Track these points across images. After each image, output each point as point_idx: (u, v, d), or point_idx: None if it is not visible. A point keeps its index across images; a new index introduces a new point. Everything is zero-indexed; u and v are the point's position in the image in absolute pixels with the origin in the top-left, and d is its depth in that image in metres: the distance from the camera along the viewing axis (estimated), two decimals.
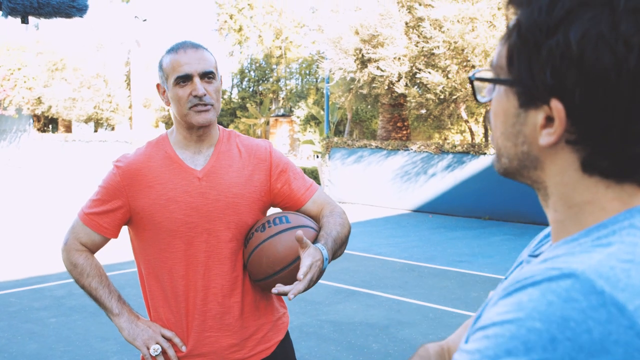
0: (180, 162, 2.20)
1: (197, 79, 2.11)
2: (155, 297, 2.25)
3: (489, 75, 0.90)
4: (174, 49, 2.18)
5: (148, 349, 2.15)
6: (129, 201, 2.18)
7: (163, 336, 2.18)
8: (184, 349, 2.16)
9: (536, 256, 0.96)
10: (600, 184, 0.81)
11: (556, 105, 0.78)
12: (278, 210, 2.34)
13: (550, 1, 0.77)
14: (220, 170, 2.21)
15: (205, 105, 2.13)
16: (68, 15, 2.19)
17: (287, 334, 2.42)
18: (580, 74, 0.75)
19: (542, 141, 0.81)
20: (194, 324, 2.20)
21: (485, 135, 17.49)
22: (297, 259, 2.05)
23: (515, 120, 0.85)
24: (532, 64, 0.79)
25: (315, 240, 2.14)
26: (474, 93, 0.94)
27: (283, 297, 2.36)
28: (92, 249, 2.28)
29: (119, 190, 2.19)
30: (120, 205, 2.19)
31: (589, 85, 0.75)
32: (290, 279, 2.04)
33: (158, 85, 2.27)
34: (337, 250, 2.18)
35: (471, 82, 0.93)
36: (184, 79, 2.12)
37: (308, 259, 1.98)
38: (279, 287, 1.97)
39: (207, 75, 2.14)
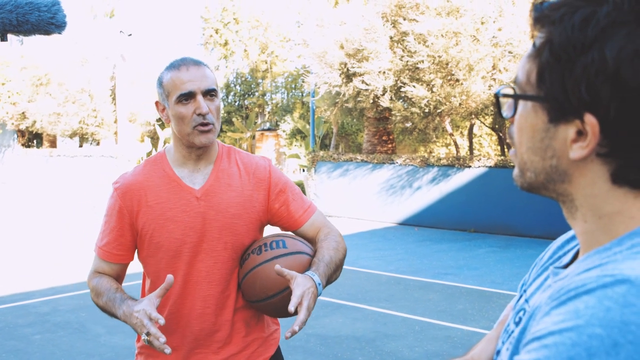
0: (178, 180, 2.18)
1: (200, 97, 2.07)
2: None
3: (512, 91, 0.92)
4: (174, 66, 2.12)
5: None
6: (132, 221, 2.17)
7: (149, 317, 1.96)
8: (161, 321, 1.92)
9: (563, 267, 0.98)
10: (629, 195, 0.83)
11: (590, 120, 0.80)
12: (276, 229, 2.32)
13: (583, 19, 0.79)
14: (218, 189, 2.18)
15: (208, 124, 2.08)
16: (47, 32, 2.19)
17: (278, 350, 2.40)
18: (615, 89, 0.77)
19: (574, 155, 0.83)
20: (186, 341, 2.20)
21: (470, 148, 17.58)
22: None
23: (544, 135, 0.86)
24: (565, 79, 0.81)
25: (308, 267, 2.11)
26: (498, 109, 0.95)
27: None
28: (115, 277, 2.27)
29: (121, 213, 2.18)
30: (127, 228, 2.18)
31: (624, 100, 0.77)
32: (283, 305, 2.01)
33: (157, 103, 2.21)
34: (332, 275, 2.14)
35: (496, 98, 0.94)
36: (187, 97, 2.07)
37: (298, 289, 1.94)
38: (288, 332, 1.90)
39: (210, 93, 2.10)
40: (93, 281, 2.22)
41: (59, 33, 2.20)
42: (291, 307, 1.91)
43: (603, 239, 0.85)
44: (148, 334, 1.90)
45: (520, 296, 1.08)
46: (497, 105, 0.95)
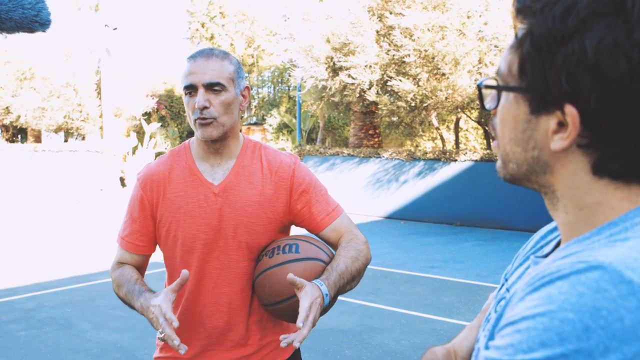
0: (198, 174, 2.14)
1: (201, 91, 2.02)
2: None
3: (494, 83, 0.92)
4: (191, 56, 2.08)
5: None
6: (153, 212, 2.15)
7: (163, 316, 1.92)
8: (175, 323, 1.89)
9: (544, 257, 0.98)
10: (609, 186, 0.84)
11: (570, 111, 0.80)
12: (302, 230, 2.25)
13: (564, 10, 0.80)
14: (237, 186, 2.13)
15: (206, 119, 2.02)
16: (31, 30, 2.15)
17: (296, 354, 2.33)
18: (595, 80, 0.77)
19: (555, 146, 0.84)
20: (198, 337, 2.18)
21: (456, 142, 17.63)
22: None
23: (526, 126, 0.87)
24: (546, 70, 0.81)
25: (320, 274, 2.02)
26: (481, 100, 0.95)
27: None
28: (137, 267, 2.24)
29: (143, 203, 2.16)
30: (149, 218, 2.17)
31: (604, 91, 0.77)
32: (290, 312, 1.97)
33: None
34: (345, 285, 2.04)
35: (479, 90, 0.95)
36: (190, 89, 2.04)
37: (306, 300, 1.86)
38: (284, 339, 1.84)
39: (213, 87, 2.03)
40: (115, 272, 2.20)
41: (43, 31, 2.17)
42: (299, 323, 1.82)
43: (583, 229, 0.86)
44: (162, 332, 1.88)
45: (502, 285, 1.09)
46: (480, 97, 0.95)
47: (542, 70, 0.82)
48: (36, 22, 2.09)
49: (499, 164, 0.96)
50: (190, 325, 2.18)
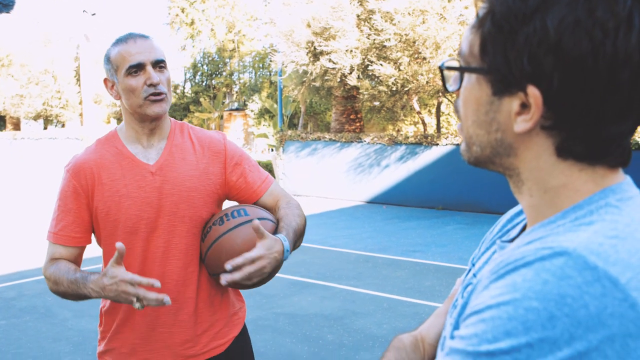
0: (132, 157, 2.15)
1: (150, 67, 2.06)
2: None
3: (457, 64, 0.90)
4: (122, 40, 2.11)
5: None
6: (88, 200, 2.13)
7: (130, 283, 1.91)
8: (156, 284, 1.91)
9: (510, 241, 0.97)
10: (574, 167, 0.83)
11: (533, 92, 0.79)
12: (234, 203, 2.29)
13: None
14: (173, 163, 2.16)
15: (160, 94, 2.07)
16: None
17: (244, 329, 2.38)
18: (558, 60, 0.76)
19: (518, 128, 0.82)
20: (148, 319, 2.16)
21: (438, 126, 17.67)
22: None
23: (489, 108, 0.85)
24: (507, 51, 0.80)
25: (275, 232, 2.09)
26: (443, 82, 0.93)
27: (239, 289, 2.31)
28: (73, 262, 2.20)
29: (77, 192, 2.14)
30: (84, 208, 2.14)
31: (567, 71, 0.76)
32: (252, 275, 1.99)
33: (105, 80, 2.19)
34: (297, 241, 2.14)
35: (441, 72, 0.93)
36: (137, 68, 2.06)
37: (258, 250, 1.92)
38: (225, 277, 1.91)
39: (159, 64, 2.09)
40: (49, 270, 2.15)
41: (7, 12, 2.14)
42: (227, 266, 1.90)
43: (548, 212, 0.85)
44: (138, 299, 1.89)
45: (469, 270, 1.08)
46: (443, 78, 0.93)
47: (503, 51, 0.80)
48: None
49: (462, 146, 0.94)
50: (137, 311, 2.16)
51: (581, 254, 0.72)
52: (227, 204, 2.33)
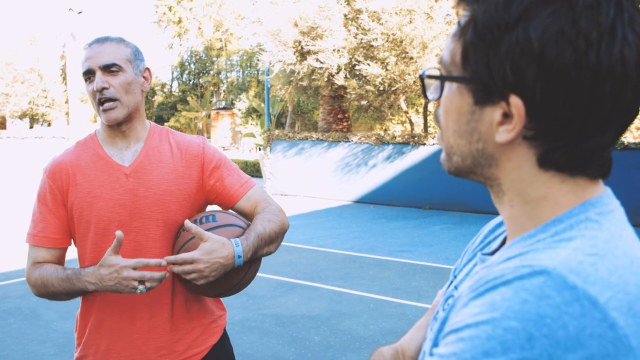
0: (107, 158, 2.14)
1: (98, 73, 2.04)
2: (86, 296, 2.18)
3: (438, 72, 0.89)
4: (88, 44, 2.12)
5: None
6: (64, 201, 2.12)
7: (134, 267, 1.96)
8: (163, 262, 1.97)
9: (490, 254, 0.96)
10: (555, 179, 0.82)
11: (515, 102, 0.77)
12: (216, 207, 2.27)
13: None
14: (149, 166, 2.14)
15: (109, 100, 2.04)
16: None
17: (223, 337, 2.34)
18: (540, 70, 0.75)
19: (500, 138, 0.81)
20: (122, 324, 2.13)
21: (425, 126, 17.71)
22: None
23: (470, 118, 0.84)
24: (490, 60, 0.79)
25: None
26: (424, 91, 0.92)
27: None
28: (56, 263, 2.18)
29: (53, 193, 2.13)
30: (61, 209, 2.13)
31: (549, 81, 0.75)
32: (217, 281, 2.01)
33: None
34: (264, 247, 2.10)
35: (421, 80, 0.91)
36: (88, 75, 2.06)
37: (194, 253, 1.94)
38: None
39: (110, 68, 2.05)
40: (34, 274, 2.12)
41: None
42: (163, 261, 1.93)
43: (529, 224, 0.84)
44: (141, 282, 1.92)
45: (451, 282, 1.07)
46: (423, 87, 0.92)
47: (485, 60, 0.79)
48: None
49: (443, 156, 0.93)
50: (110, 313, 2.14)
51: (560, 273, 0.72)
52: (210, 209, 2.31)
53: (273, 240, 2.15)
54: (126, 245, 2.10)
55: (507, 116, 0.80)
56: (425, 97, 0.92)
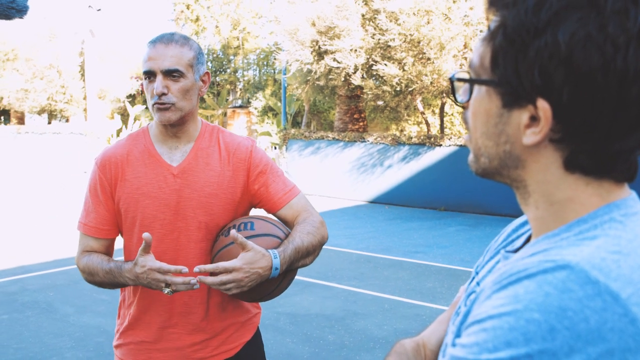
0: (157, 156, 2.16)
1: (159, 77, 2.04)
2: (127, 289, 2.25)
3: (467, 75, 0.90)
4: (151, 41, 2.10)
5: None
6: (112, 193, 2.16)
7: (158, 271, 1.98)
8: (185, 269, 1.98)
9: (514, 251, 0.98)
10: (580, 181, 0.83)
11: (543, 105, 0.79)
12: (261, 211, 2.28)
13: (537, 2, 0.78)
14: (196, 167, 2.16)
15: (164, 104, 2.05)
16: (7, 16, 2.13)
17: (257, 335, 2.37)
18: (568, 74, 0.76)
19: (527, 140, 0.83)
20: (159, 319, 2.19)
21: (441, 127, 17.66)
22: None
23: (498, 120, 0.86)
24: (518, 64, 0.80)
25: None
26: (453, 93, 0.94)
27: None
28: (104, 253, 2.23)
29: (102, 185, 2.17)
30: (109, 201, 2.17)
31: (577, 85, 0.77)
32: (250, 289, 2.00)
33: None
34: (300, 259, 2.09)
35: (451, 83, 0.93)
36: (149, 75, 2.06)
37: (235, 262, 1.93)
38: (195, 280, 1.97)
39: (172, 74, 2.05)
40: (82, 261, 2.19)
41: (20, 17, 2.14)
42: (196, 269, 1.93)
43: (554, 225, 0.86)
44: (167, 285, 1.95)
45: (473, 278, 1.09)
46: (453, 89, 0.94)
47: (514, 64, 0.81)
48: (13, 8, 2.06)
49: (470, 157, 0.95)
50: (149, 308, 2.20)
51: (583, 268, 0.73)
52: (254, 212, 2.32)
53: (310, 253, 2.15)
54: (168, 244, 2.15)
55: (534, 119, 0.82)
56: (455, 99, 0.94)
